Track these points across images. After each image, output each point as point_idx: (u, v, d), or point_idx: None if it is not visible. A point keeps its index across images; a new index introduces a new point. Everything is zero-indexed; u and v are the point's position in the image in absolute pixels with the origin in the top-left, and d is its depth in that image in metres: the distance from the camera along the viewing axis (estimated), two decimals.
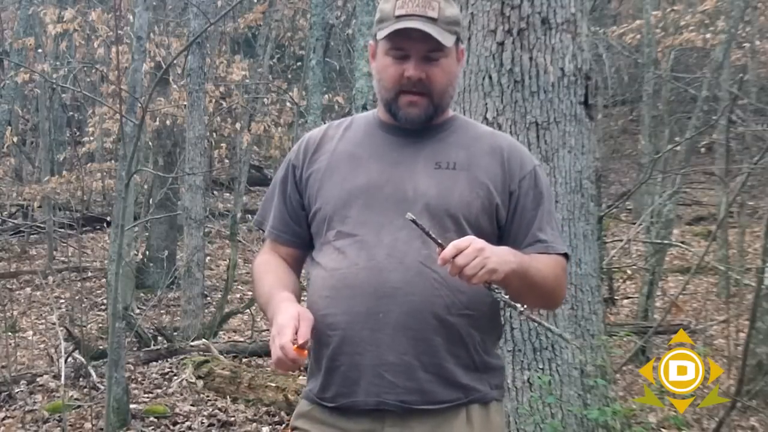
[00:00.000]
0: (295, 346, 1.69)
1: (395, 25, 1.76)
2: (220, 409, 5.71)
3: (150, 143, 10.74)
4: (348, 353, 1.77)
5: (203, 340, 7.16)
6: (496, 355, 1.89)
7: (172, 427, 5.42)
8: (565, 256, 1.90)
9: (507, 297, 1.71)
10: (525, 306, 1.71)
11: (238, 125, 10.92)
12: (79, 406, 5.64)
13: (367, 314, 1.75)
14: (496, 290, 1.71)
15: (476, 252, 1.64)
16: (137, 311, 8.56)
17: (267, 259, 1.97)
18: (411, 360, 1.74)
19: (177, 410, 5.67)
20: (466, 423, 1.79)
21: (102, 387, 5.75)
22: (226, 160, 11.87)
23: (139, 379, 6.49)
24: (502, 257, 1.70)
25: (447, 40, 1.77)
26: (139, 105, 5.21)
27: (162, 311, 9.35)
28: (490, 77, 3.33)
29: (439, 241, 1.66)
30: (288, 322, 1.71)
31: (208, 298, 9.82)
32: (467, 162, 1.83)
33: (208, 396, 5.99)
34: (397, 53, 1.79)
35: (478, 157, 1.84)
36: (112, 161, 11.41)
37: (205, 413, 5.63)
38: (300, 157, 1.92)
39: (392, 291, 1.74)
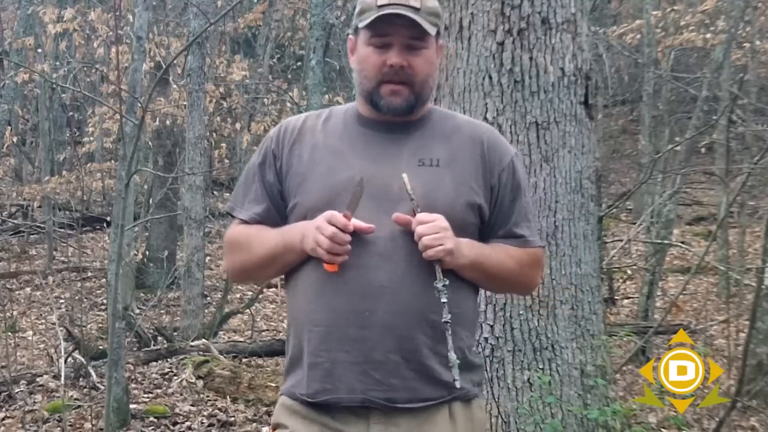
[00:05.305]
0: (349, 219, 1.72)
1: (378, 12, 1.77)
2: (220, 409, 5.71)
3: (150, 143, 10.73)
4: (332, 350, 1.76)
5: (203, 340, 7.16)
6: (476, 353, 1.91)
7: (172, 427, 5.42)
8: (542, 247, 1.97)
9: (446, 292, 1.73)
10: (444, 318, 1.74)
11: (238, 125, 10.93)
12: (79, 406, 5.64)
13: (352, 312, 1.74)
14: (443, 283, 1.73)
15: (439, 228, 1.73)
16: (137, 311, 8.56)
17: (247, 226, 1.91)
18: (397, 358, 1.74)
19: (177, 410, 5.67)
20: (449, 420, 1.81)
21: (102, 387, 5.76)
22: (226, 160, 11.87)
23: (139, 379, 6.49)
24: (460, 247, 1.76)
25: (429, 28, 1.79)
26: (139, 105, 5.21)
27: (162, 311, 9.35)
28: (490, 77, 3.33)
29: (417, 206, 1.74)
30: (327, 214, 1.73)
31: (208, 298, 9.82)
32: (450, 158, 1.84)
33: (208, 396, 5.99)
34: (379, 41, 1.79)
35: (459, 152, 1.85)
36: (112, 161, 11.40)
37: (205, 413, 5.63)
38: (280, 145, 1.89)
39: (379, 290, 1.74)
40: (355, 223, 1.73)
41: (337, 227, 1.70)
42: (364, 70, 1.83)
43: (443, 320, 1.72)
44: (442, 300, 1.72)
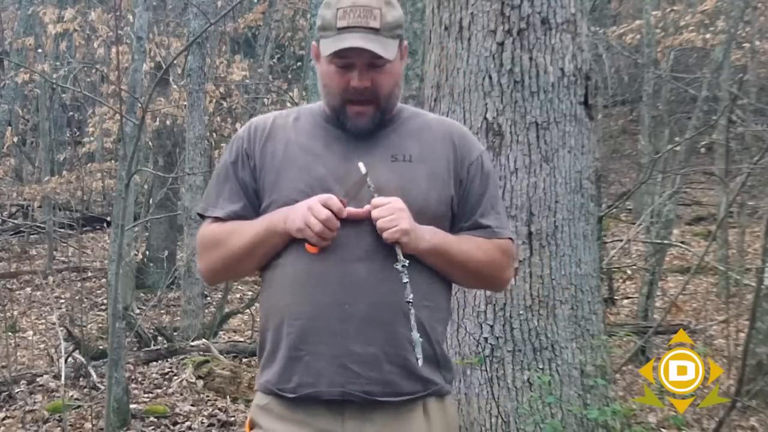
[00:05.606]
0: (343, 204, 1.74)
1: (338, 40, 1.75)
2: (220, 409, 5.71)
3: (150, 143, 10.74)
4: (312, 343, 1.76)
5: (203, 340, 7.16)
6: (447, 349, 1.93)
7: (172, 427, 5.42)
8: (511, 240, 1.97)
9: (406, 273, 1.74)
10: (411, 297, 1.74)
11: (238, 125, 10.90)
12: (79, 406, 5.64)
13: (332, 305, 1.75)
14: (403, 263, 1.74)
15: (393, 210, 1.74)
16: (137, 311, 8.56)
17: (223, 223, 1.89)
18: (376, 351, 1.75)
19: (177, 410, 5.67)
20: (423, 416, 1.82)
21: (102, 387, 5.76)
22: None
23: (139, 379, 6.50)
24: (418, 231, 1.77)
25: (390, 51, 1.77)
26: (139, 105, 5.21)
27: (162, 311, 9.35)
28: (490, 77, 3.33)
29: (374, 192, 1.75)
30: (323, 197, 1.74)
31: (208, 298, 9.82)
32: (422, 153, 1.86)
33: (208, 396, 5.99)
34: (341, 62, 1.78)
35: (431, 148, 1.87)
36: (112, 161, 11.41)
37: (205, 413, 5.63)
38: (251, 143, 1.89)
39: (359, 282, 1.75)
40: (349, 210, 1.74)
41: (332, 211, 1.72)
42: (328, 87, 1.84)
43: (405, 300, 1.73)
44: (404, 280, 1.73)
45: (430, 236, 1.79)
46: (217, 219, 1.90)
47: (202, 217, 1.95)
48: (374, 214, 1.73)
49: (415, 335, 1.73)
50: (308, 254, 1.77)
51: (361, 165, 1.77)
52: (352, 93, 1.79)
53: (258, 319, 8.30)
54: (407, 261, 1.74)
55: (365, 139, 1.84)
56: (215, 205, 1.91)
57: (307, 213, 1.73)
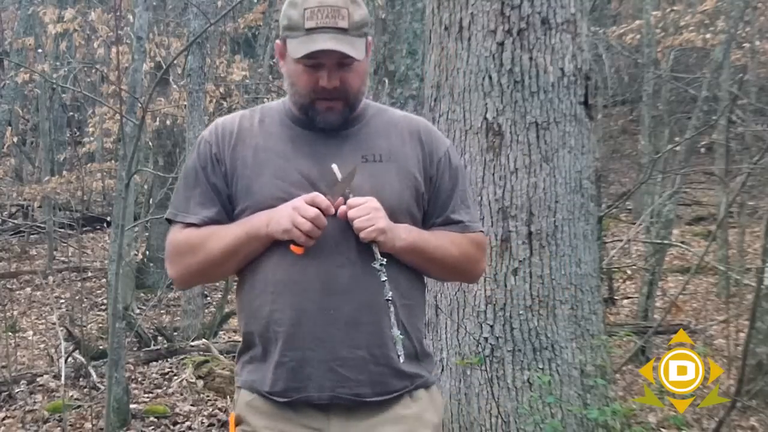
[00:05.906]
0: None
1: (307, 41, 1.74)
2: (220, 409, 5.72)
3: (150, 143, 10.74)
4: (298, 348, 1.77)
5: (203, 340, 7.16)
6: (427, 343, 1.95)
7: (172, 427, 5.43)
8: (482, 232, 2.00)
9: (384, 271, 1.75)
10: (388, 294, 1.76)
11: None
12: (79, 406, 5.64)
13: (316, 310, 1.75)
14: (381, 262, 1.75)
15: (370, 210, 1.75)
16: (137, 311, 8.56)
17: (196, 229, 1.85)
18: (364, 354, 1.77)
19: (177, 410, 5.67)
20: (410, 401, 1.85)
21: (102, 387, 5.76)
22: None
23: (139, 379, 6.50)
24: (394, 229, 1.78)
25: (358, 50, 1.76)
26: (139, 105, 5.21)
27: (162, 311, 9.35)
28: (490, 77, 3.33)
29: (350, 193, 1.76)
30: (309, 196, 1.74)
31: (208, 298, 9.82)
32: (391, 152, 1.86)
33: (208, 396, 6.00)
34: (309, 62, 1.77)
35: (400, 146, 1.88)
36: (112, 161, 11.41)
37: (205, 413, 5.63)
38: (220, 147, 1.86)
39: (343, 288, 1.76)
40: (337, 202, 1.76)
41: (320, 209, 1.72)
42: (295, 86, 1.82)
43: (385, 298, 1.75)
44: (382, 279, 1.75)
45: (406, 234, 1.81)
46: (189, 225, 1.87)
47: (170, 222, 1.91)
48: (350, 214, 1.74)
49: (396, 332, 1.75)
50: (288, 259, 1.76)
51: (334, 166, 1.77)
52: (321, 92, 1.79)
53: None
54: (385, 260, 1.76)
55: (334, 139, 1.84)
56: (187, 211, 1.87)
57: (293, 213, 1.73)
